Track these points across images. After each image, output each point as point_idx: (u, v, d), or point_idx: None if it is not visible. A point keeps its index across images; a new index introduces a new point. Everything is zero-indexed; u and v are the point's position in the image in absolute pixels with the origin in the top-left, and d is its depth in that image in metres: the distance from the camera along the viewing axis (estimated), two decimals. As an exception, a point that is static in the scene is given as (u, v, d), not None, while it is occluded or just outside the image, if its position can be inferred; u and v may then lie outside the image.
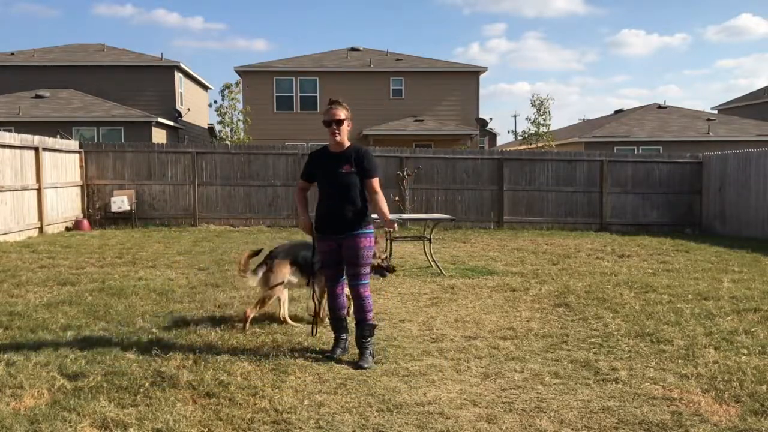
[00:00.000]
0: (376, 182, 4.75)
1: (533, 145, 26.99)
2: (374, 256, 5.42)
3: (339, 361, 4.71)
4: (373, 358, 4.72)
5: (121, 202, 14.72)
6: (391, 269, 5.87)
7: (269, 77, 26.99)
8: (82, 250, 10.59)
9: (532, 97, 30.83)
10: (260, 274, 5.62)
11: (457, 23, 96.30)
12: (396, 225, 5.11)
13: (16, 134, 12.49)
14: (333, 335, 5.01)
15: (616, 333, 5.62)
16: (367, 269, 4.77)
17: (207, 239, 12.61)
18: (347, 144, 4.77)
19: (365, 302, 4.76)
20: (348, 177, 4.67)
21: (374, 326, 4.85)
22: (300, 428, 3.54)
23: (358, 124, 26.02)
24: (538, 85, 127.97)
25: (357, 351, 4.76)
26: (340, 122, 4.68)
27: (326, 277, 4.98)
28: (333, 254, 4.79)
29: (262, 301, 5.63)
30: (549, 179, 16.35)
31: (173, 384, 4.12)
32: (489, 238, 13.91)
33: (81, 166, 14.87)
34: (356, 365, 4.59)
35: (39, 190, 12.83)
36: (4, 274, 8.12)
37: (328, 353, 4.81)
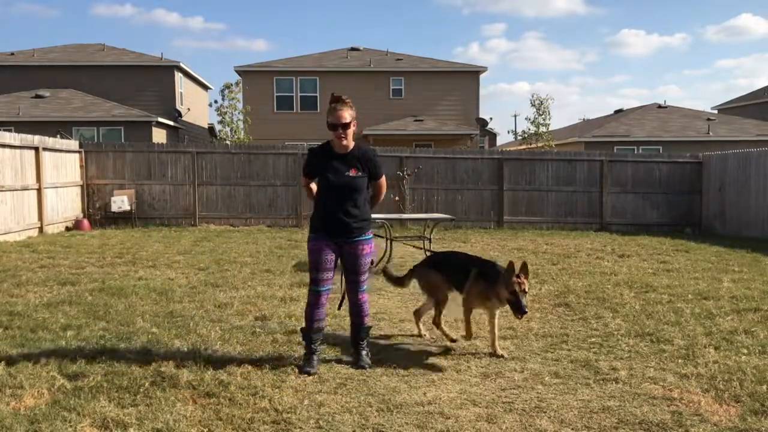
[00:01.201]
0: (384, 180, 4.79)
1: (533, 145, 26.99)
2: (512, 289, 4.59)
3: (339, 361, 4.70)
4: (369, 357, 4.72)
5: (121, 202, 14.72)
6: (522, 310, 4.59)
7: (269, 77, 26.99)
8: (82, 250, 10.59)
9: (532, 97, 30.83)
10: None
11: (456, 23, 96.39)
12: None
13: (16, 134, 12.48)
14: (305, 349, 4.60)
15: (616, 333, 5.62)
16: (366, 275, 4.69)
17: (207, 239, 12.61)
18: (352, 145, 4.61)
19: (364, 306, 4.72)
20: (355, 180, 4.51)
21: (370, 327, 4.86)
22: (300, 428, 3.54)
23: (358, 124, 26.02)
24: (538, 85, 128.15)
25: (353, 352, 4.74)
26: (347, 126, 4.46)
27: (315, 280, 4.54)
28: (330, 255, 4.54)
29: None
30: (549, 179, 16.35)
31: (173, 384, 4.12)
32: (489, 238, 13.91)
33: (81, 166, 14.87)
34: (357, 365, 4.58)
35: (39, 190, 12.83)
36: (4, 274, 8.12)
37: (306, 368, 4.43)
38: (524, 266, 4.74)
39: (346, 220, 4.53)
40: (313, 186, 4.71)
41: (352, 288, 4.68)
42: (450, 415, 3.72)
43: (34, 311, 6.05)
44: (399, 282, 5.67)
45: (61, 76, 25.66)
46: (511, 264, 4.69)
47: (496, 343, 5.01)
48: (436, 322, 5.25)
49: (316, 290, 4.57)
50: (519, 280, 4.62)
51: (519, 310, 4.59)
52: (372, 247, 4.72)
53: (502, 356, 4.89)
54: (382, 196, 4.88)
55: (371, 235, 4.72)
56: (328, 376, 4.38)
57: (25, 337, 5.17)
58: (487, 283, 4.87)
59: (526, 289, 4.66)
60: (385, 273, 5.77)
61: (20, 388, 4.00)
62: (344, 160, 4.53)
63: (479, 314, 6.27)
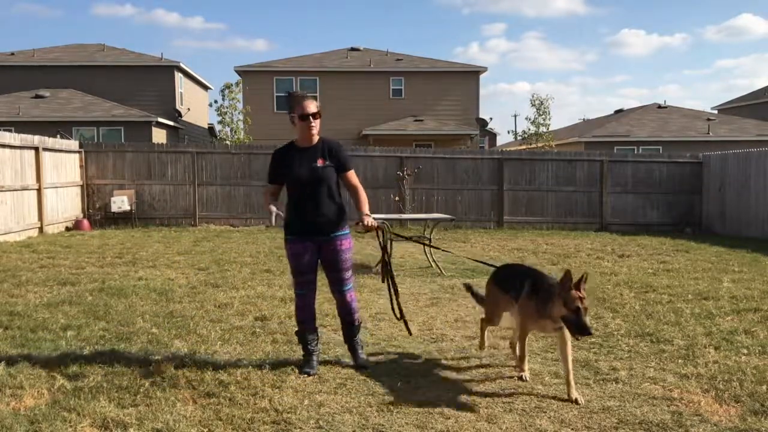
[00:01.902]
0: (354, 174, 4.57)
1: (533, 145, 26.99)
2: (574, 306, 3.80)
3: (339, 361, 4.69)
4: (366, 355, 4.68)
5: (121, 202, 14.72)
6: (587, 330, 3.79)
7: (269, 77, 26.99)
8: (82, 250, 10.59)
9: (532, 97, 30.83)
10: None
11: (456, 23, 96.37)
12: (370, 224, 4.36)
13: (16, 134, 12.49)
14: (303, 350, 4.58)
15: (616, 333, 5.61)
16: (350, 272, 4.57)
17: (207, 239, 12.61)
18: (317, 138, 4.49)
19: (352, 305, 4.60)
20: (324, 170, 4.38)
21: (361, 325, 4.75)
22: (300, 428, 3.54)
23: (358, 124, 26.03)
24: (538, 85, 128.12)
25: (350, 353, 4.69)
26: (316, 115, 4.39)
27: (299, 283, 4.51)
28: (310, 256, 4.44)
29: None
30: (549, 179, 16.35)
31: (173, 384, 4.12)
32: (489, 238, 13.91)
33: (81, 166, 14.87)
34: (357, 365, 4.55)
35: (39, 190, 12.83)
36: (4, 274, 8.12)
37: (305, 369, 4.43)
38: (585, 279, 3.95)
39: (322, 215, 4.40)
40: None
41: (338, 288, 4.54)
42: (450, 415, 3.72)
43: (34, 311, 6.05)
44: (481, 300, 5.11)
45: (61, 76, 25.65)
46: (568, 273, 3.88)
47: (572, 380, 4.06)
48: (482, 327, 4.97)
49: (301, 293, 4.53)
50: (580, 294, 3.85)
51: (582, 330, 3.77)
52: (351, 242, 4.57)
53: (577, 401, 3.93)
54: (363, 192, 4.51)
55: (349, 230, 4.57)
56: (328, 376, 4.38)
57: (25, 337, 5.17)
58: (541, 298, 4.09)
59: (587, 306, 3.88)
60: (470, 289, 5.28)
61: (20, 388, 4.00)
62: (309, 153, 4.43)
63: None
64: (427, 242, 5.83)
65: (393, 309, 4.79)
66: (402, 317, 4.76)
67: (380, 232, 4.64)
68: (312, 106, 4.41)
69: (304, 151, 4.45)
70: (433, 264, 9.16)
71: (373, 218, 4.50)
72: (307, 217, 4.42)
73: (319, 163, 4.40)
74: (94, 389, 3.99)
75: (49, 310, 6.10)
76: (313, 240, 4.45)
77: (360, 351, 4.66)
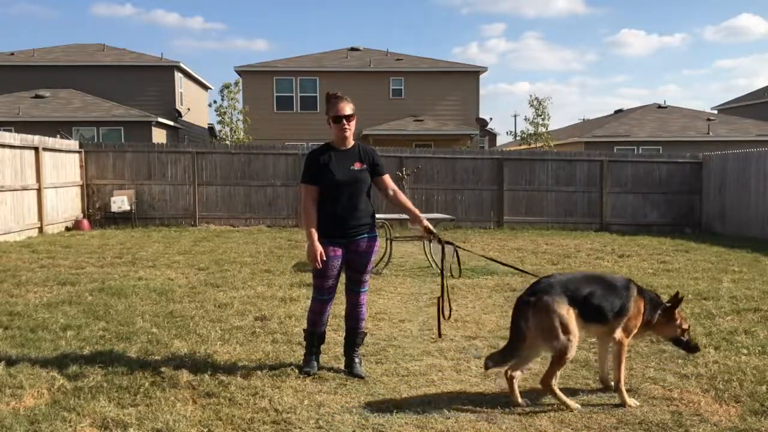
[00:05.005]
0: (389, 177, 4.62)
1: (531, 146, 26.99)
2: (678, 327, 4.16)
3: (339, 362, 4.68)
4: (362, 365, 4.56)
5: (121, 202, 14.71)
6: (693, 347, 4.27)
7: (269, 77, 26.97)
8: (82, 250, 10.59)
9: (530, 97, 30.84)
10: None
11: (455, 23, 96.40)
12: (431, 230, 4.55)
13: (16, 134, 12.49)
14: (306, 350, 4.57)
15: (616, 333, 5.61)
16: (369, 276, 4.59)
17: (207, 239, 12.61)
18: (353, 141, 4.55)
19: (362, 309, 4.58)
20: (362, 173, 4.41)
21: (365, 334, 4.69)
22: (300, 428, 3.54)
23: (358, 124, 25.99)
24: (538, 85, 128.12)
25: (345, 361, 4.57)
26: (350, 117, 4.40)
27: (321, 287, 4.40)
28: (338, 261, 4.39)
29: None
30: (549, 179, 16.35)
31: (173, 384, 4.12)
32: (489, 238, 13.91)
33: (81, 166, 14.87)
34: (352, 374, 4.43)
35: (39, 190, 12.82)
36: (4, 274, 8.12)
37: (305, 369, 4.45)
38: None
39: (357, 217, 4.42)
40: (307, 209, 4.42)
41: (355, 288, 4.52)
42: (450, 415, 3.72)
43: (34, 311, 6.05)
44: (514, 351, 3.94)
45: (61, 76, 25.64)
46: (678, 294, 4.27)
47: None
48: (547, 382, 3.88)
49: (321, 299, 4.45)
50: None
51: (696, 349, 4.32)
52: (378, 245, 4.61)
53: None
54: (405, 197, 4.64)
55: (377, 233, 4.60)
56: (328, 376, 4.38)
57: (25, 337, 5.17)
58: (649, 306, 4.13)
59: (687, 328, 4.23)
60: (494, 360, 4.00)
61: (20, 388, 4.00)
62: (346, 155, 4.44)
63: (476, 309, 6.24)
64: (490, 257, 5.71)
65: (439, 310, 4.55)
66: (440, 321, 4.62)
67: (437, 239, 4.71)
68: (346, 108, 4.42)
69: (341, 154, 4.46)
70: (433, 264, 9.16)
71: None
72: (342, 218, 4.40)
73: (357, 166, 4.42)
74: (94, 389, 3.99)
75: (49, 310, 6.10)
76: (342, 243, 4.42)
77: (358, 363, 4.52)
